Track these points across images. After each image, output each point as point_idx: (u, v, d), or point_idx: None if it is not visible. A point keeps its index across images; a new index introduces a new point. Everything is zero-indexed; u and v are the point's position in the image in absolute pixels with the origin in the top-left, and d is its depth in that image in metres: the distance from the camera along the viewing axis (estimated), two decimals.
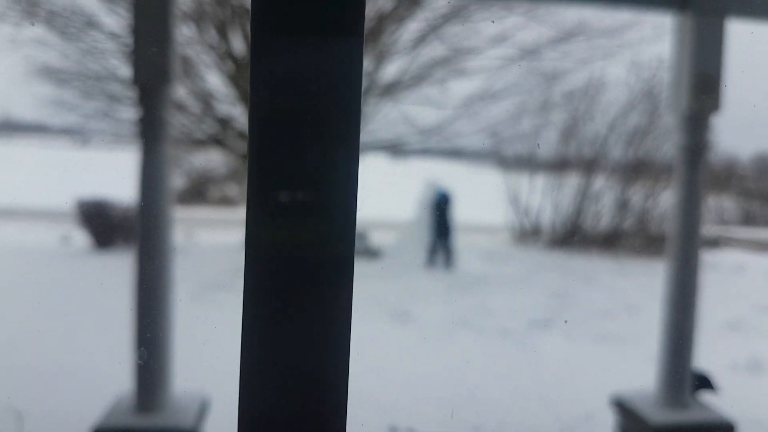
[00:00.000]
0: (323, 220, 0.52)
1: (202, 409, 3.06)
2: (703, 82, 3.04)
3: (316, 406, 0.55)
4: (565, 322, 6.71)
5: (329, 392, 0.55)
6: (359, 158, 0.52)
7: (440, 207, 10.42)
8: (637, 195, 12.58)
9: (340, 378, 0.55)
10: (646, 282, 9.44)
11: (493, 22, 10.63)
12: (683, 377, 3.17)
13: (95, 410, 3.01)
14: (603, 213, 12.69)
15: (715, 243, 14.04)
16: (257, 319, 0.53)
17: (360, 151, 0.52)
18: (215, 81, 11.20)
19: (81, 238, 10.70)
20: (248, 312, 0.53)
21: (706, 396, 3.45)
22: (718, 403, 3.43)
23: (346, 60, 0.50)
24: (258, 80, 0.49)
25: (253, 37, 0.48)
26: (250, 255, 0.52)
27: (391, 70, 11.84)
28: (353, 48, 0.50)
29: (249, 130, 0.49)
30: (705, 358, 5.21)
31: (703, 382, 3.45)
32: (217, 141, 11.73)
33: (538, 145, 13.41)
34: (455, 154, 13.36)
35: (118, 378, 3.31)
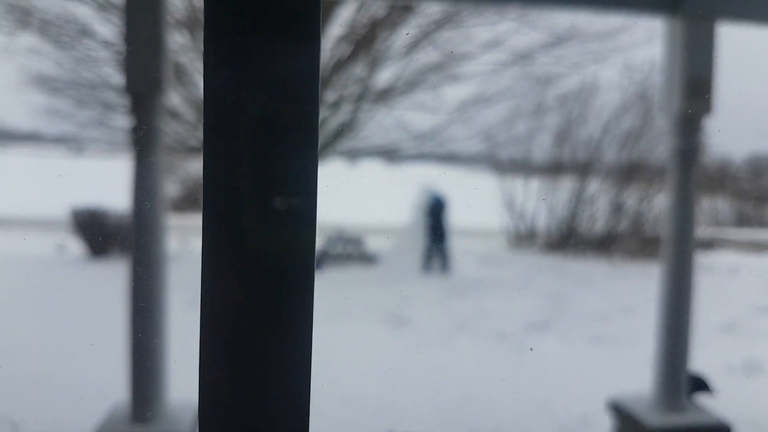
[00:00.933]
0: (282, 225, 0.51)
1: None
2: (695, 85, 3.05)
3: (277, 414, 0.54)
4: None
5: (290, 400, 0.54)
6: (318, 163, 0.51)
7: (435, 212, 10.42)
8: (631, 198, 12.61)
9: (302, 386, 0.54)
10: (641, 284, 9.45)
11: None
12: (679, 379, 3.17)
13: (91, 420, 2.99)
14: (598, 216, 12.71)
15: (709, 245, 14.07)
16: (216, 327, 0.52)
17: (319, 155, 0.51)
18: None
19: (76, 246, 10.66)
20: (206, 321, 0.52)
21: (702, 398, 3.45)
22: (715, 405, 3.43)
23: (302, 63, 0.49)
24: (212, 82, 0.48)
25: (207, 38, 0.48)
26: (207, 262, 0.51)
27: (384, 76, 11.86)
28: (310, 51, 0.49)
29: (203, 134, 0.48)
30: (701, 360, 5.22)
31: (700, 385, 3.45)
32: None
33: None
34: (450, 158, 13.37)
35: (113, 387, 3.29)
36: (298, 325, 0.52)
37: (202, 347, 0.51)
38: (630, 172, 12.59)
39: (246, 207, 0.49)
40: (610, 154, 12.95)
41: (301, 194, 0.50)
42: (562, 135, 13.22)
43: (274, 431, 0.53)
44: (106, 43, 10.40)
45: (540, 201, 13.28)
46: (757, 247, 14.79)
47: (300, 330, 0.53)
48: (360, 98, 11.61)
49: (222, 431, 0.53)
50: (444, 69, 11.85)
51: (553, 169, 13.26)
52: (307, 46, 0.48)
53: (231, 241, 0.50)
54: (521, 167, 13.74)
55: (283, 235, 0.50)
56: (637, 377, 4.41)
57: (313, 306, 0.53)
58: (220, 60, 0.47)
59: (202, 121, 0.48)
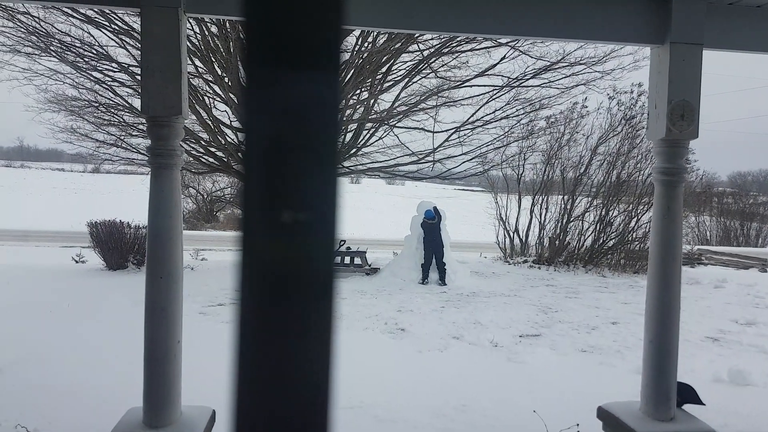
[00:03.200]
0: (308, 238, 0.56)
1: (211, 424, 3.03)
2: (681, 109, 3.06)
3: (303, 422, 0.58)
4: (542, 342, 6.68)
5: (315, 408, 0.57)
6: (338, 182, 0.57)
7: (434, 227, 10.43)
8: (619, 215, 12.63)
9: (326, 392, 0.58)
10: (629, 297, 9.44)
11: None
12: (668, 389, 3.15)
13: (106, 426, 2.97)
14: (587, 231, 12.73)
15: (697, 259, 14.06)
16: (249, 335, 0.56)
17: (338, 173, 0.57)
18: (222, 110, 11.27)
19: (94, 259, 10.66)
20: (240, 326, 0.56)
21: (690, 407, 3.43)
22: (703, 414, 3.41)
23: (325, 91, 0.54)
24: (251, 109, 0.54)
25: (247, 70, 0.53)
26: (241, 274, 0.55)
27: (386, 99, 11.95)
28: (331, 81, 0.54)
29: (243, 156, 0.54)
30: (689, 370, 5.20)
31: (688, 394, 3.43)
32: (224, 166, 11.76)
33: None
34: (447, 177, 13.40)
35: (128, 393, 3.28)
36: (322, 332, 0.57)
37: (235, 356, 0.55)
38: (618, 190, 12.62)
39: (274, 220, 0.54)
40: (599, 174, 12.99)
41: (323, 211, 0.55)
42: (553, 155, 13.28)
43: None
44: (123, 67, 10.47)
45: (532, 217, 13.30)
46: (743, 262, 14.76)
47: (325, 338, 0.57)
48: (362, 120, 11.67)
49: None
50: (441, 93, 11.94)
51: (544, 187, 13.30)
52: (328, 76, 0.54)
53: (260, 252, 0.55)
54: (514, 185, 13.79)
55: (305, 245, 0.56)
56: (626, 386, 4.39)
57: (336, 312, 0.58)
58: (257, 89, 0.52)
59: (243, 146, 0.53)
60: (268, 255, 0.53)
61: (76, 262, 10.99)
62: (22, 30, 9.94)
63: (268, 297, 0.53)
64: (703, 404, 3.49)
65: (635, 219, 12.43)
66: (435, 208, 10.58)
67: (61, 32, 10.10)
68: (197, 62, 10.28)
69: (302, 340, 0.54)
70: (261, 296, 0.53)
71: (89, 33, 10.24)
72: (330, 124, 0.54)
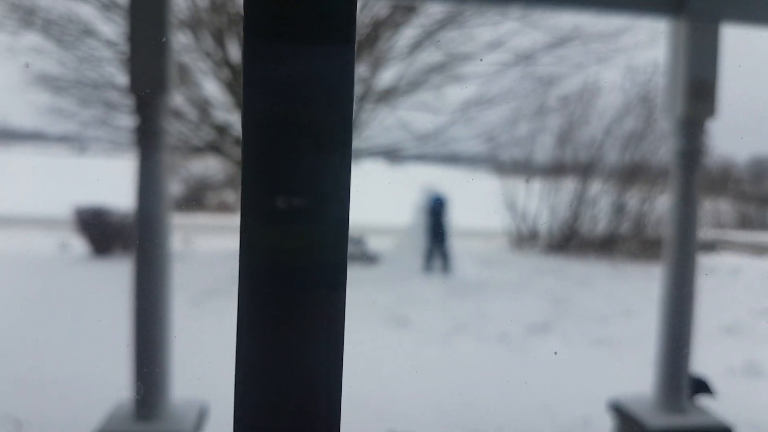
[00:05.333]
0: (316, 226, 0.52)
1: (201, 416, 3.05)
2: (698, 87, 3.05)
3: (311, 413, 0.56)
4: (555, 353, 6.71)
5: (323, 398, 0.55)
6: (351, 164, 0.53)
7: (436, 212, 10.43)
8: (633, 199, 12.59)
9: (334, 384, 0.56)
10: (643, 286, 9.45)
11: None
12: (681, 381, 3.17)
13: (93, 418, 2.99)
14: (600, 217, 12.71)
15: (711, 247, 14.05)
16: (252, 326, 0.54)
17: (352, 157, 0.53)
18: (212, 88, 11.21)
19: (79, 245, 10.67)
20: (243, 319, 0.53)
21: (703, 400, 3.45)
22: (716, 406, 3.43)
23: (338, 67, 0.50)
24: (251, 86, 0.50)
25: (245, 43, 0.49)
26: (245, 262, 0.53)
27: (387, 76, 11.87)
28: (345, 55, 0.50)
29: (242, 136, 0.50)
30: (702, 361, 5.21)
31: (701, 386, 3.45)
32: (214, 148, 11.72)
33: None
34: (452, 159, 13.37)
35: (116, 385, 3.30)
36: (332, 326, 0.54)
37: (238, 348, 0.53)
38: (632, 174, 12.58)
39: (281, 206, 0.51)
40: (613, 156, 12.94)
41: (334, 195, 0.52)
42: (564, 136, 13.22)
43: (307, 428, 0.55)
44: (109, 43, 10.41)
45: (542, 202, 13.28)
46: (759, 249, 14.77)
47: (333, 331, 0.55)
48: (363, 98, 11.62)
49: (256, 427, 0.54)
50: (446, 69, 11.85)
51: (555, 170, 13.25)
52: (342, 49, 0.50)
53: (265, 239, 0.52)
54: (523, 168, 13.73)
55: (316, 233, 0.52)
56: (638, 379, 4.41)
57: (346, 307, 0.54)
58: (259, 64, 0.48)
59: (242, 123, 0.49)
60: (273, 245, 0.50)
61: (60, 249, 11.01)
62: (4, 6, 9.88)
63: (272, 290, 0.51)
64: (716, 396, 3.51)
65: (649, 203, 12.42)
66: (439, 193, 10.58)
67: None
68: (185, 38, 10.22)
69: (309, 336, 0.52)
70: (265, 289, 0.51)
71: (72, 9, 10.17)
72: (344, 102, 0.51)
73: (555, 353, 5.79)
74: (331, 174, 0.52)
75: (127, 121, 11.51)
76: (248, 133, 0.50)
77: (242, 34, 0.49)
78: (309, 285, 0.53)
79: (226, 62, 10.12)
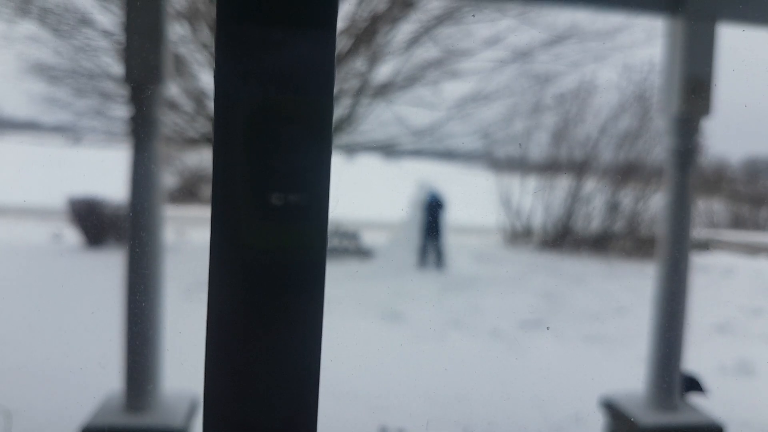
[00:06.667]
0: (293, 222, 0.50)
1: (192, 409, 3.04)
2: (694, 86, 3.05)
3: (286, 414, 0.54)
4: (548, 328, 6.73)
5: (299, 399, 0.53)
6: (331, 158, 0.50)
7: (433, 208, 10.43)
8: (627, 197, 12.63)
9: (311, 384, 0.53)
10: (636, 284, 9.48)
11: (474, 15, 10.68)
12: (672, 379, 3.18)
13: (84, 409, 2.98)
14: (594, 215, 12.74)
15: (704, 246, 14.11)
16: (223, 325, 0.51)
17: (332, 150, 0.50)
18: (208, 80, 11.16)
19: (72, 235, 10.64)
20: (213, 317, 0.51)
21: (695, 398, 3.46)
22: (707, 404, 3.44)
23: (317, 53, 0.47)
24: (223, 73, 0.46)
25: (218, 27, 0.46)
26: (215, 259, 0.50)
27: (384, 71, 11.84)
28: (325, 41, 0.47)
29: (214, 127, 0.47)
30: (694, 360, 5.23)
31: (693, 384, 3.46)
32: (209, 140, 11.68)
33: (520, 144, 13.44)
34: (447, 155, 13.37)
35: (107, 377, 3.29)
36: (309, 326, 0.51)
37: (208, 343, 0.50)
38: (627, 172, 12.61)
39: (256, 201, 0.48)
40: (607, 154, 12.97)
41: (313, 189, 0.48)
42: (560, 134, 13.23)
43: (282, 429, 0.52)
44: (106, 33, 10.35)
45: (536, 199, 13.30)
46: (752, 249, 14.83)
47: (310, 330, 0.52)
48: (359, 92, 11.59)
49: (227, 428, 0.51)
50: (443, 65, 11.84)
51: (550, 167, 13.28)
52: (322, 34, 0.46)
53: (239, 236, 0.49)
54: (518, 165, 13.75)
55: (293, 231, 0.49)
56: (630, 376, 4.42)
57: (323, 302, 0.52)
58: (232, 50, 0.45)
59: (213, 113, 0.46)
60: (246, 242, 0.47)
61: (53, 239, 10.97)
62: None
63: (244, 289, 0.48)
64: (708, 394, 3.52)
65: (643, 201, 12.45)
66: (435, 190, 10.58)
67: None
68: (181, 29, 10.18)
69: (284, 337, 0.49)
70: (236, 288, 0.47)
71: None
72: (323, 92, 0.47)
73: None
74: (310, 168, 0.49)
75: (121, 111, 11.47)
76: (220, 125, 0.47)
77: (216, 17, 0.46)
78: (284, 284, 0.51)
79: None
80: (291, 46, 0.46)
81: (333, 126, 0.47)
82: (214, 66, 0.46)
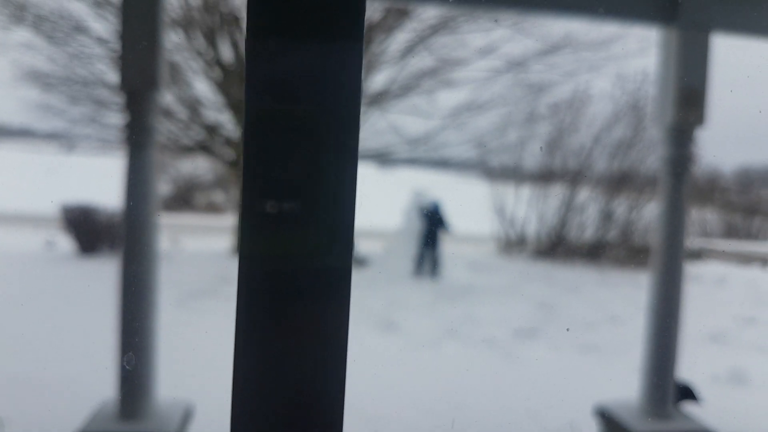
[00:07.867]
0: (320, 230, 0.50)
1: (186, 417, 3.03)
2: (687, 96, 3.07)
3: (312, 421, 0.54)
4: (567, 329, 6.74)
5: (325, 406, 0.53)
6: (357, 167, 0.50)
7: (433, 218, 10.43)
8: (621, 207, 12.67)
9: (337, 391, 0.54)
10: (629, 293, 9.49)
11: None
12: (666, 388, 3.18)
13: (78, 417, 2.96)
14: (588, 224, 12.77)
15: (698, 255, 14.15)
16: (251, 332, 0.51)
17: (358, 159, 0.51)
18: (203, 88, 11.18)
19: (66, 243, 10.59)
20: (242, 324, 0.51)
21: (688, 406, 3.46)
22: (701, 413, 3.44)
23: (345, 64, 0.48)
24: (253, 85, 0.47)
25: (249, 39, 0.46)
26: (244, 266, 0.50)
27: (379, 80, 11.88)
28: (353, 52, 0.48)
29: (243, 136, 0.47)
30: (688, 368, 5.24)
31: (686, 393, 3.46)
32: (204, 148, 11.68)
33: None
34: (442, 164, 13.40)
35: (101, 384, 3.27)
36: (335, 333, 0.52)
37: (236, 352, 0.50)
38: (620, 181, 12.66)
39: (285, 212, 0.48)
40: (601, 163, 13.02)
41: (339, 199, 0.49)
42: (554, 143, 13.28)
43: None
44: (101, 40, 10.36)
45: (531, 208, 13.33)
46: (745, 258, 14.89)
47: (336, 337, 0.52)
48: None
49: None
50: (438, 74, 11.89)
51: (544, 176, 13.31)
52: (350, 45, 0.47)
53: (268, 247, 0.49)
54: (512, 174, 13.78)
55: (320, 242, 0.50)
56: (624, 385, 4.42)
57: (350, 313, 0.52)
58: (262, 61, 0.46)
59: (243, 123, 0.46)
60: (274, 250, 0.47)
61: (46, 246, 10.92)
62: None
63: (272, 297, 0.48)
64: (702, 403, 3.53)
65: (637, 211, 12.50)
66: (433, 198, 10.60)
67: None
68: (177, 37, 10.19)
69: (309, 345, 0.49)
70: (264, 296, 0.48)
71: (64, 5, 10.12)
72: (350, 104, 0.48)
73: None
74: (337, 177, 0.49)
75: (116, 119, 11.46)
76: (250, 134, 0.47)
77: (246, 28, 0.46)
78: (311, 292, 0.51)
79: (218, 62, 10.10)
80: (320, 59, 0.47)
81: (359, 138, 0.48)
82: (245, 78, 0.46)
